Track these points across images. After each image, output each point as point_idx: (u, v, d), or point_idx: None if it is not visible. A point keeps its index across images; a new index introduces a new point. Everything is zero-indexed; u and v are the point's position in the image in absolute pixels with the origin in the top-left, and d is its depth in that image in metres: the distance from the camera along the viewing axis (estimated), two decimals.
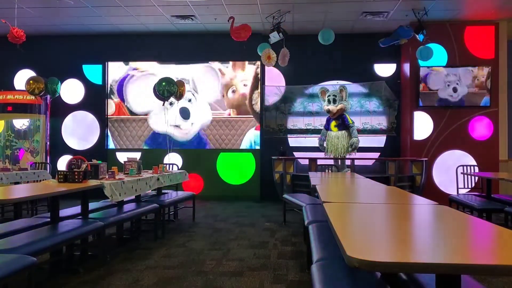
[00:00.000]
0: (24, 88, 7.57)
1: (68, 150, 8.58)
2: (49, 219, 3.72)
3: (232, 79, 8.53)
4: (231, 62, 8.52)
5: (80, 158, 4.10)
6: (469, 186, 6.18)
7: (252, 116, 8.47)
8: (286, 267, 3.70)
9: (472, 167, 6.35)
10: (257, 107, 8.45)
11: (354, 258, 1.19)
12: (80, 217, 3.98)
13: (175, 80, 7.26)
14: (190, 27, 8.03)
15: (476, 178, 6.67)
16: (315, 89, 8.25)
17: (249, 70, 8.51)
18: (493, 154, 7.54)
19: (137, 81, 8.66)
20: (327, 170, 6.47)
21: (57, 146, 8.57)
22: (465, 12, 7.17)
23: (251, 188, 8.34)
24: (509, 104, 7.84)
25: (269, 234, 5.10)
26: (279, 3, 6.66)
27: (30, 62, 8.59)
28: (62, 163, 8.45)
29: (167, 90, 6.84)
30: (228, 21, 6.51)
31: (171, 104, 8.34)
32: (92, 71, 8.72)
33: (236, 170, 8.40)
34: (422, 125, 7.73)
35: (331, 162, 7.15)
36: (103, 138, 8.65)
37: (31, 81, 7.34)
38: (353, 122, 7.34)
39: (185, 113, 8.47)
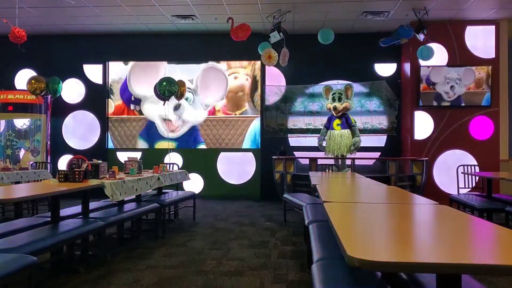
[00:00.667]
0: (24, 88, 7.58)
1: (68, 149, 8.59)
2: (49, 219, 3.72)
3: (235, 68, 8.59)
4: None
5: (80, 157, 4.10)
6: (470, 186, 6.18)
7: (253, 115, 8.47)
8: (286, 266, 3.70)
9: (472, 167, 6.35)
10: (258, 105, 8.48)
11: (355, 258, 1.19)
12: (80, 216, 3.98)
13: (176, 80, 7.26)
14: (190, 27, 8.03)
15: (477, 177, 6.66)
16: (316, 88, 8.26)
17: (249, 67, 8.54)
18: (493, 154, 7.54)
19: (142, 68, 8.69)
20: (327, 170, 6.47)
21: (58, 146, 8.57)
22: (465, 12, 7.16)
23: (252, 188, 8.34)
24: (510, 103, 7.83)
25: (269, 234, 5.10)
26: (280, 3, 6.66)
27: (31, 62, 8.60)
28: (63, 162, 8.46)
29: (168, 90, 6.84)
30: (228, 21, 6.51)
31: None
32: (92, 71, 8.72)
33: (237, 170, 8.41)
34: (423, 125, 7.72)
35: (332, 161, 7.15)
36: (103, 137, 8.65)
37: (32, 81, 7.35)
38: (356, 122, 7.39)
39: (177, 107, 8.47)
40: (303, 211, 4.37)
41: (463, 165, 6.33)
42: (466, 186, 6.14)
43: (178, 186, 6.35)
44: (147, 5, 6.82)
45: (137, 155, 8.27)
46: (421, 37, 6.98)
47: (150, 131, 8.63)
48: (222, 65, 8.58)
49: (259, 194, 8.29)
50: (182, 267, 3.64)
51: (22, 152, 8.07)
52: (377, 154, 8.16)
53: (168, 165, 6.24)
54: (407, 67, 7.91)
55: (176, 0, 6.61)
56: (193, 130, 8.60)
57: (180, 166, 7.24)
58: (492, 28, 7.59)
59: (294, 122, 8.38)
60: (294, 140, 8.39)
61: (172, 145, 8.42)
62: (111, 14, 7.35)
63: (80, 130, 8.69)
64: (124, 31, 8.34)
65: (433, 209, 2.25)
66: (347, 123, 7.28)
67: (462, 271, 1.25)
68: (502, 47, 7.65)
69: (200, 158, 8.47)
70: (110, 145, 8.71)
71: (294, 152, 8.26)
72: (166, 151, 7.88)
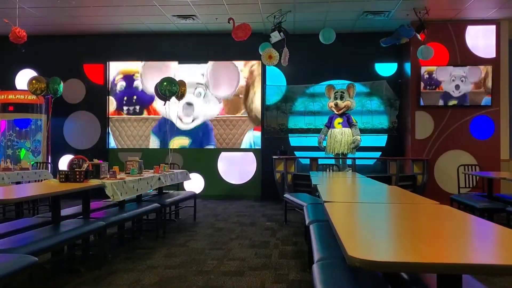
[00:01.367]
0: (25, 88, 7.58)
1: (69, 149, 8.59)
2: (50, 219, 3.72)
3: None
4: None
5: (81, 157, 4.10)
6: (471, 186, 6.18)
7: (247, 116, 8.50)
8: (287, 266, 3.70)
9: (473, 167, 6.34)
10: (254, 107, 8.48)
11: (356, 258, 1.19)
12: (81, 216, 3.98)
13: (177, 80, 7.27)
14: (191, 27, 8.03)
15: (478, 177, 6.65)
16: (316, 88, 8.26)
17: (248, 68, 8.55)
18: (494, 154, 7.53)
19: (156, 67, 8.69)
20: (328, 170, 6.47)
21: (58, 146, 8.57)
22: (466, 12, 7.16)
23: (252, 188, 8.34)
24: (511, 103, 7.82)
25: (270, 234, 5.10)
26: (280, 2, 6.66)
27: (31, 62, 8.60)
28: (64, 162, 8.46)
29: (169, 90, 6.83)
30: (229, 22, 6.50)
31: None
32: (93, 71, 8.73)
33: (237, 170, 8.41)
34: (423, 125, 7.71)
35: (332, 161, 7.15)
36: (104, 137, 8.66)
37: (33, 81, 7.35)
38: (357, 122, 7.43)
39: (188, 109, 8.47)
40: (303, 211, 4.36)
41: (464, 165, 6.32)
42: (467, 186, 6.13)
43: (179, 186, 6.35)
44: (147, 5, 6.82)
45: (138, 155, 8.27)
46: (421, 37, 6.97)
47: (164, 128, 8.61)
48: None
49: (260, 194, 8.29)
50: (183, 267, 3.65)
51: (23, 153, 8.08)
52: (377, 154, 8.16)
53: (168, 165, 6.24)
54: (407, 66, 7.91)
55: (176, 0, 6.61)
56: (206, 127, 8.58)
57: (180, 166, 7.24)
58: (492, 28, 7.58)
59: (294, 122, 8.38)
60: (294, 140, 8.39)
61: (186, 141, 8.43)
62: (112, 14, 7.35)
63: (81, 130, 8.69)
64: (125, 31, 8.34)
65: (433, 209, 2.25)
66: (348, 122, 7.33)
67: (462, 271, 1.25)
68: (503, 47, 7.65)
69: (200, 158, 8.47)
70: (111, 145, 8.71)
71: (295, 152, 8.26)
72: (167, 152, 7.87)
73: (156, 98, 7.91)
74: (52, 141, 8.48)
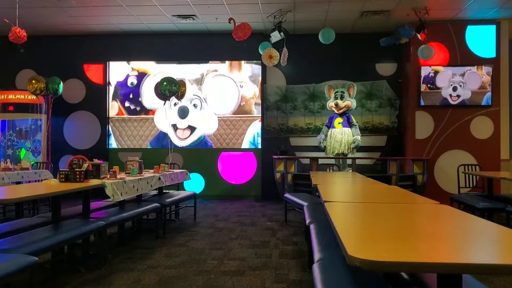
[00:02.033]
0: (25, 88, 7.58)
1: (69, 149, 8.59)
2: (50, 219, 3.72)
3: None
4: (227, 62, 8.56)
5: (81, 157, 4.10)
6: (471, 186, 6.17)
7: (257, 115, 8.49)
8: (287, 266, 3.70)
9: (473, 167, 6.34)
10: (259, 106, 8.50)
11: (356, 258, 1.19)
12: (81, 216, 3.98)
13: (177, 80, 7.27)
14: (191, 27, 8.03)
15: (478, 177, 6.65)
16: (317, 88, 8.26)
17: (246, 69, 8.55)
18: (494, 153, 7.53)
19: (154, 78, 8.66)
20: (328, 170, 6.47)
21: (59, 146, 8.57)
22: (466, 11, 7.15)
23: (252, 188, 8.34)
24: (511, 103, 7.82)
25: (270, 234, 5.10)
26: (280, 2, 6.66)
27: (32, 62, 8.60)
28: (64, 162, 8.46)
29: (169, 90, 6.83)
30: (230, 22, 6.51)
31: (175, 104, 8.37)
32: (93, 71, 8.73)
33: (237, 170, 8.41)
34: (423, 124, 7.71)
35: (332, 161, 7.16)
36: (104, 137, 8.66)
37: (33, 81, 7.35)
38: (357, 122, 7.44)
39: (183, 113, 8.44)
40: (304, 210, 4.36)
41: (464, 165, 6.32)
42: (467, 185, 6.13)
43: (179, 186, 6.35)
44: (147, 5, 6.82)
45: (138, 155, 8.27)
46: (421, 36, 6.97)
47: (162, 141, 8.60)
48: (225, 66, 8.58)
49: (260, 194, 8.29)
50: (183, 267, 3.65)
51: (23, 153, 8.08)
52: (377, 154, 8.16)
53: (169, 165, 6.25)
54: (407, 66, 7.91)
55: (176, 0, 6.61)
56: (205, 145, 8.59)
57: (181, 166, 7.24)
58: (493, 27, 7.58)
59: (294, 121, 8.38)
60: (294, 140, 8.39)
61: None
62: (112, 14, 7.35)
63: (81, 130, 8.69)
64: (125, 31, 8.34)
65: (434, 208, 2.25)
66: (348, 122, 7.34)
67: (463, 271, 1.25)
68: (503, 47, 7.64)
69: (201, 158, 8.47)
70: (111, 145, 8.71)
71: (295, 152, 8.26)
72: (167, 151, 7.87)
73: (157, 107, 7.95)
74: (52, 141, 8.48)
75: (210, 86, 8.60)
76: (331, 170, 6.47)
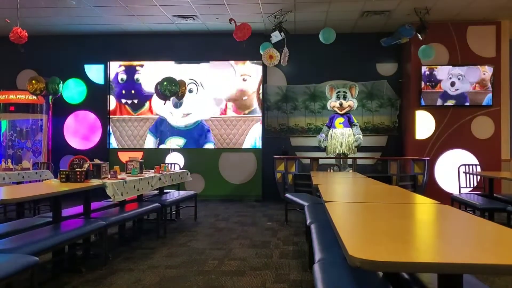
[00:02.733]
0: (26, 88, 7.58)
1: (70, 150, 8.59)
2: (51, 219, 3.73)
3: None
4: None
5: (82, 157, 4.10)
6: (471, 186, 6.17)
7: (257, 115, 8.48)
8: (288, 266, 3.70)
9: (474, 166, 6.33)
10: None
11: (356, 258, 1.19)
12: (82, 216, 3.99)
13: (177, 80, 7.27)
14: (191, 27, 8.04)
15: (478, 177, 6.65)
16: (317, 88, 8.26)
17: (250, 66, 8.55)
18: (495, 153, 7.52)
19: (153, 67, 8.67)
20: (329, 170, 6.47)
21: (59, 146, 8.58)
22: (467, 12, 7.15)
23: (253, 188, 8.34)
24: (511, 103, 7.81)
25: (271, 234, 5.10)
26: (281, 2, 6.66)
27: (32, 62, 8.61)
28: (64, 162, 8.47)
29: (169, 89, 6.84)
30: (231, 23, 6.51)
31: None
32: (94, 71, 8.73)
33: (238, 170, 8.41)
34: (424, 124, 7.71)
35: (333, 161, 7.15)
36: (105, 137, 8.66)
37: (33, 81, 7.36)
38: (357, 122, 7.45)
39: (176, 102, 8.40)
40: (304, 211, 4.36)
41: (465, 165, 6.31)
42: (468, 185, 6.12)
43: (180, 186, 6.36)
44: (148, 5, 6.82)
45: (139, 155, 8.28)
46: (422, 37, 6.96)
47: (160, 127, 8.60)
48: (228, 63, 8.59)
49: (261, 194, 8.29)
50: (184, 267, 3.65)
51: (24, 153, 8.08)
52: (378, 154, 8.15)
53: (169, 165, 6.25)
54: (408, 66, 7.90)
55: (177, 0, 6.61)
56: (202, 128, 8.57)
57: (181, 166, 7.24)
58: (493, 28, 7.58)
59: (295, 121, 8.38)
60: (295, 140, 8.39)
61: (180, 142, 8.41)
62: (112, 14, 7.36)
63: (82, 130, 8.70)
64: (125, 31, 8.35)
65: (434, 208, 2.25)
66: (349, 122, 7.35)
67: (463, 270, 1.25)
68: (504, 47, 7.64)
69: (201, 158, 8.46)
70: (112, 145, 8.72)
71: (296, 152, 8.26)
72: (167, 151, 7.88)
73: (154, 96, 7.87)
74: (53, 141, 8.49)
75: (208, 71, 8.57)
76: (331, 170, 6.47)
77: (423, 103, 7.61)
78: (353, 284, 1.98)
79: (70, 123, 8.72)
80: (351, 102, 7.41)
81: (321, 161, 7.03)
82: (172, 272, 3.51)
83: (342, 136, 7.31)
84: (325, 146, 7.59)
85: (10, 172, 5.62)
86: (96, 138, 8.68)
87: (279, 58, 7.05)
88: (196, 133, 8.59)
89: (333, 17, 7.37)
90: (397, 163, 6.89)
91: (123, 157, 8.28)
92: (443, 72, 7.55)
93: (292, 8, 6.89)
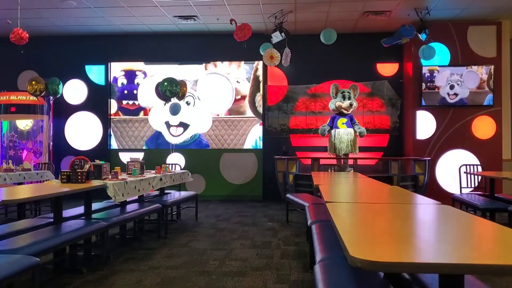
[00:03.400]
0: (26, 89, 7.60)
1: (71, 150, 8.60)
2: (52, 220, 3.73)
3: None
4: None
5: (83, 158, 4.11)
6: (472, 186, 6.16)
7: (254, 116, 8.49)
8: (289, 267, 3.70)
9: (475, 167, 6.32)
10: (260, 108, 8.47)
11: (357, 258, 1.19)
12: (83, 217, 3.99)
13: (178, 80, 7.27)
14: (192, 27, 8.04)
15: (479, 177, 6.63)
16: (318, 88, 8.26)
17: (244, 68, 8.55)
18: (496, 154, 7.51)
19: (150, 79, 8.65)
20: (329, 170, 6.46)
21: (60, 147, 8.59)
22: (467, 12, 7.14)
23: (254, 188, 8.34)
24: None
25: (271, 234, 5.10)
26: (281, 3, 6.66)
27: (33, 63, 8.61)
28: (65, 163, 8.47)
29: (169, 90, 6.84)
30: (231, 23, 6.51)
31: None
32: (94, 72, 8.74)
33: (239, 170, 8.41)
34: (425, 125, 7.70)
35: (334, 161, 7.14)
36: (106, 138, 8.67)
37: (33, 82, 7.35)
38: (358, 122, 7.46)
39: (175, 109, 8.37)
40: (305, 211, 4.36)
41: (466, 165, 6.31)
42: (469, 186, 6.12)
43: (181, 187, 6.36)
44: (149, 6, 6.83)
45: (140, 155, 8.29)
46: (423, 36, 6.96)
47: (157, 141, 8.60)
48: (224, 65, 8.57)
49: (262, 194, 8.29)
50: (185, 268, 3.65)
51: (24, 154, 8.10)
52: (379, 154, 8.15)
53: (170, 166, 6.25)
54: (409, 66, 7.90)
55: (178, 1, 6.61)
56: (200, 143, 8.57)
57: (182, 167, 7.24)
58: (494, 28, 7.57)
59: (296, 122, 8.38)
60: (296, 140, 8.38)
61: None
62: (113, 15, 7.37)
63: (82, 131, 8.70)
64: (126, 32, 8.36)
65: (435, 209, 2.24)
66: (351, 122, 7.36)
67: (464, 271, 1.25)
68: (504, 47, 7.64)
69: (202, 159, 8.47)
70: (113, 146, 8.72)
71: (296, 152, 8.26)
72: (168, 152, 7.89)
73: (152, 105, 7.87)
74: (54, 142, 8.50)
75: (204, 84, 8.58)
76: (332, 171, 6.46)
77: (424, 103, 7.60)
78: (354, 285, 1.98)
79: (71, 123, 8.72)
80: (355, 103, 7.43)
81: (322, 161, 7.02)
82: (173, 272, 3.52)
83: (347, 137, 7.29)
84: (333, 143, 7.48)
85: (11, 173, 5.63)
86: (97, 139, 8.67)
87: (279, 58, 7.05)
88: (192, 146, 8.59)
89: (333, 18, 7.36)
90: (398, 163, 6.88)
91: (124, 157, 8.29)
92: (442, 78, 7.54)
93: (292, 9, 6.89)
